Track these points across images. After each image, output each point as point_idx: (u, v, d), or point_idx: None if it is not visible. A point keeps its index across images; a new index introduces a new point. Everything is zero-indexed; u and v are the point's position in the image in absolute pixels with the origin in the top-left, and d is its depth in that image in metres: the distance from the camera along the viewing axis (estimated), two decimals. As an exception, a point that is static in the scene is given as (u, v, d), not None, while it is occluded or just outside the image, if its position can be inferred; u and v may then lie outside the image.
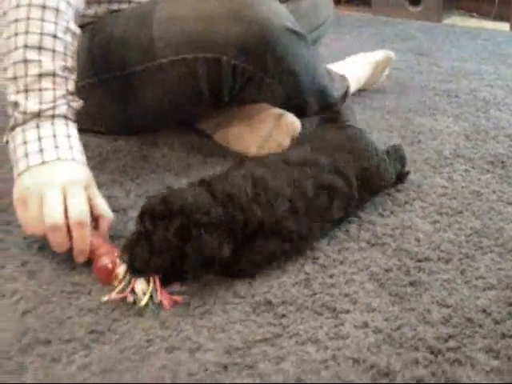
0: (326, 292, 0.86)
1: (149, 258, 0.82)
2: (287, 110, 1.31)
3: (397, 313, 0.82)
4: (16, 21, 0.98)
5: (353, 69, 1.68)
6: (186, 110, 1.34)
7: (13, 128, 0.96)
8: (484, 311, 0.83)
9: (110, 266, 0.87)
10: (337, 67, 1.65)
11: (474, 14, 3.04)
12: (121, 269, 0.86)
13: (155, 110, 1.33)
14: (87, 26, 1.31)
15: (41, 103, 0.95)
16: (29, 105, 0.95)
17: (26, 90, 0.96)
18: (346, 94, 1.59)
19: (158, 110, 1.33)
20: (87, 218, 0.90)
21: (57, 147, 0.94)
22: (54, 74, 0.97)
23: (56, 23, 1.00)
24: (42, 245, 0.96)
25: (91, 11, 1.29)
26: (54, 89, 0.97)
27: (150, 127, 1.41)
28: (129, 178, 1.20)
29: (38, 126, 0.95)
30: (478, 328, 0.79)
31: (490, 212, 1.09)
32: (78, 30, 1.05)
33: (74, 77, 1.02)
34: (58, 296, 0.86)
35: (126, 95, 1.31)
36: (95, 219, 0.94)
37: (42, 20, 0.98)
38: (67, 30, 1.01)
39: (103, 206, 0.96)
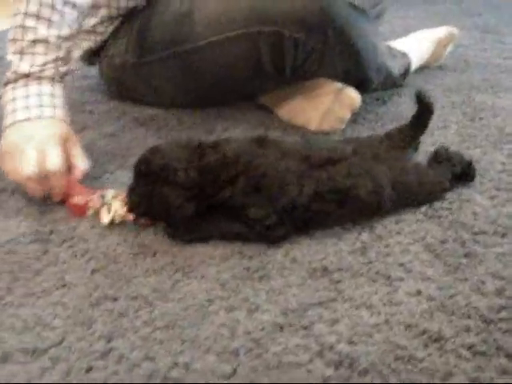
0: (382, 260, 0.88)
1: (139, 204, 0.94)
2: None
3: (450, 282, 0.83)
4: None
5: (415, 45, 1.67)
6: (249, 85, 1.37)
7: (6, 84, 1.08)
8: (539, 285, 0.83)
9: (81, 203, 1.02)
10: (399, 44, 1.64)
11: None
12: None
13: (218, 85, 1.36)
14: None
15: (32, 66, 1.06)
16: (21, 66, 1.06)
17: (22, 53, 1.07)
18: (406, 72, 1.59)
19: (221, 85, 1.36)
20: (59, 169, 1.01)
21: (41, 105, 1.05)
22: (47, 41, 1.07)
23: None
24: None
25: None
26: (45, 54, 1.08)
27: (213, 102, 1.45)
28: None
29: (26, 85, 1.06)
30: (531, 301, 0.80)
31: (551, 189, 1.08)
32: (79, 2, 1.13)
33: (67, 44, 1.11)
34: (125, 257, 0.91)
35: (187, 71, 1.34)
36: (71, 168, 1.06)
37: None
38: (66, 2, 1.10)
39: (78, 157, 1.06)
